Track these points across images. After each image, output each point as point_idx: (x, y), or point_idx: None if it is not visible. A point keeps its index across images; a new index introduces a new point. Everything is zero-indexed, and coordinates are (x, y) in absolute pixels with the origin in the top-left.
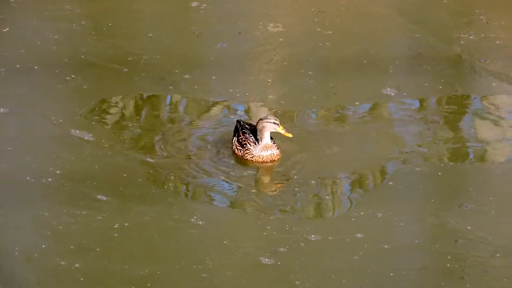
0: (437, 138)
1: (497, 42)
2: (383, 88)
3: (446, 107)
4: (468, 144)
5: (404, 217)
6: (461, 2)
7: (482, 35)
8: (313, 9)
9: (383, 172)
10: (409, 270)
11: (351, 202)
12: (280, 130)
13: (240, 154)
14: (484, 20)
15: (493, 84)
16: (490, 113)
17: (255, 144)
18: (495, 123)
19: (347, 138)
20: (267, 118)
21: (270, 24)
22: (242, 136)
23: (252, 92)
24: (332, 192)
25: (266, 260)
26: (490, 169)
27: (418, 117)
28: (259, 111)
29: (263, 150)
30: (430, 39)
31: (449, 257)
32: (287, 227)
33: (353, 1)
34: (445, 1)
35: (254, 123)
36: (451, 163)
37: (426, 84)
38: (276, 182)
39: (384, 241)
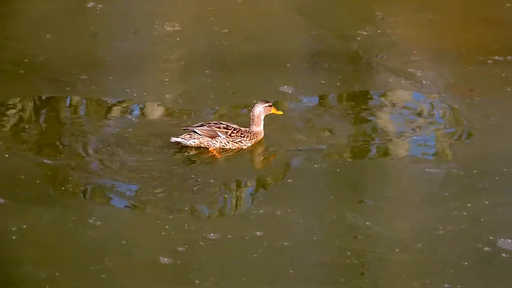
0: (335, 134)
1: (394, 38)
2: (281, 86)
3: (345, 103)
4: (366, 140)
5: (303, 214)
6: None
7: (379, 31)
8: (209, 8)
9: (282, 170)
10: (309, 266)
11: (250, 200)
12: (273, 111)
13: (246, 144)
14: (380, 17)
15: (390, 80)
16: (387, 108)
17: (247, 130)
18: (393, 118)
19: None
20: (261, 103)
21: (166, 23)
22: (233, 133)
23: (149, 91)
24: (231, 190)
25: (165, 260)
26: (388, 165)
27: (316, 114)
28: (156, 111)
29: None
30: (327, 37)
31: (348, 253)
32: (186, 226)
33: None
34: None
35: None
36: (349, 160)
37: (323, 81)
38: (177, 181)
39: (284, 239)
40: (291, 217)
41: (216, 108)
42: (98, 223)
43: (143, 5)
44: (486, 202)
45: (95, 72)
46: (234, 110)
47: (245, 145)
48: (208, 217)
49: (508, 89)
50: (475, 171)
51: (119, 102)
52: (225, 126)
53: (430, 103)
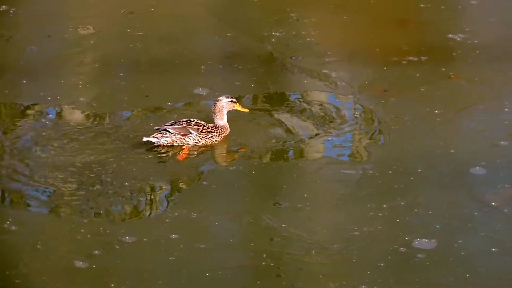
0: (251, 136)
1: (308, 39)
2: (195, 88)
3: (260, 105)
4: (282, 141)
5: (219, 217)
6: (272, 0)
7: (293, 33)
8: (123, 11)
9: (197, 172)
10: (225, 269)
11: (165, 203)
12: (237, 107)
13: (217, 139)
14: (294, 18)
15: (305, 81)
16: (303, 110)
17: (215, 126)
18: (309, 119)
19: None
20: (224, 97)
21: (80, 26)
22: (205, 130)
23: (63, 95)
24: (146, 193)
25: (80, 264)
26: (304, 166)
27: (232, 115)
28: (71, 114)
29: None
30: (242, 38)
31: (264, 255)
32: (101, 229)
33: (163, 2)
34: (255, 0)
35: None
36: (265, 161)
37: (238, 83)
38: (92, 184)
39: (199, 241)
40: (207, 219)
41: (131, 110)
42: (13, 227)
43: (56, 9)
44: (402, 203)
45: (8, 76)
46: (148, 112)
47: (216, 140)
48: (123, 220)
49: (422, 89)
50: (390, 172)
51: (33, 105)
52: (195, 123)
53: (345, 104)
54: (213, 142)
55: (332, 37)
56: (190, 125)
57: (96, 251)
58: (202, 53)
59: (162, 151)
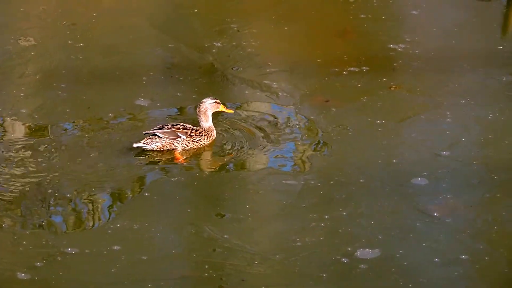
0: (191, 147)
1: (249, 50)
2: (137, 99)
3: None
4: (223, 152)
5: (160, 228)
6: (212, 10)
7: (234, 43)
8: (64, 22)
9: (139, 183)
10: (167, 280)
11: (107, 214)
12: (222, 108)
13: (205, 142)
14: (235, 28)
15: (246, 92)
16: (244, 120)
17: (202, 130)
18: (250, 130)
19: (102, 150)
20: (208, 99)
21: (21, 38)
22: (193, 133)
23: (5, 106)
24: (88, 204)
25: (22, 275)
26: (246, 177)
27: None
28: (12, 126)
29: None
30: (183, 49)
31: (206, 266)
32: (43, 241)
33: (104, 13)
34: (196, 11)
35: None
36: (207, 172)
37: (179, 94)
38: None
39: (141, 252)
40: (149, 230)
41: (72, 122)
42: None
43: None
44: (344, 213)
45: None
46: (90, 124)
47: (204, 143)
48: (65, 231)
49: (363, 100)
50: (332, 182)
51: None
52: (183, 126)
53: (287, 115)
54: (201, 146)
55: (273, 48)
56: (179, 128)
57: (39, 263)
58: (144, 64)
59: (152, 155)
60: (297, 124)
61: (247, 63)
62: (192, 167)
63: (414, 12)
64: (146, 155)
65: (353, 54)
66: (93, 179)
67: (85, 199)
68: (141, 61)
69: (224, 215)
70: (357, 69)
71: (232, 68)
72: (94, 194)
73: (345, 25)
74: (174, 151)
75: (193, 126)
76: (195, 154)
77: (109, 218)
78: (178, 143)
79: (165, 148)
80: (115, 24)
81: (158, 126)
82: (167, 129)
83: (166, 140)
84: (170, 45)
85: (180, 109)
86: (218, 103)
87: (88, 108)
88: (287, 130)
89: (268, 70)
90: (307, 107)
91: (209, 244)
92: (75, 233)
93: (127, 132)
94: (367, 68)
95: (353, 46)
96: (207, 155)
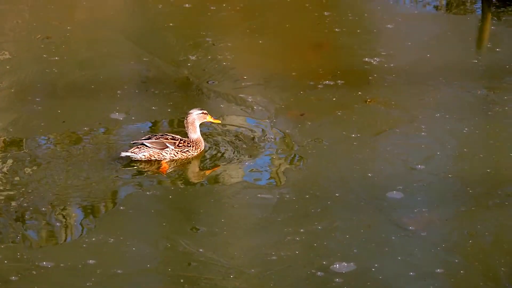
0: (168, 160)
1: (224, 63)
2: (112, 113)
3: (176, 129)
4: (199, 166)
5: (136, 242)
6: (187, 24)
7: (209, 57)
8: (39, 36)
9: (114, 197)
10: None
11: (82, 228)
12: (209, 118)
13: (193, 153)
14: (210, 42)
15: (222, 105)
16: (219, 134)
17: (190, 141)
18: (225, 144)
19: (77, 163)
20: (195, 110)
21: None
22: (181, 144)
23: None
24: (63, 218)
25: None
26: (221, 191)
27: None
28: None
29: (201, 140)
30: (158, 63)
31: (182, 280)
32: (18, 255)
33: (79, 26)
34: (171, 24)
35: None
36: (182, 186)
37: (154, 108)
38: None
39: (117, 266)
40: (124, 244)
41: (47, 135)
42: None
43: None
44: (319, 227)
45: None
46: (65, 137)
47: (192, 154)
48: (40, 245)
49: (339, 113)
50: (307, 196)
51: None
52: (172, 137)
53: (262, 128)
54: (189, 157)
55: (248, 61)
56: (167, 139)
57: (13, 277)
58: (119, 78)
59: (140, 165)
60: (272, 138)
61: (222, 77)
62: (167, 181)
63: (389, 26)
64: (133, 165)
65: (328, 67)
66: (68, 193)
67: (60, 213)
68: (116, 74)
69: (199, 229)
70: (332, 83)
71: (207, 82)
72: (69, 208)
73: (320, 39)
74: (162, 161)
75: (181, 137)
76: (172, 168)
77: (84, 232)
78: (166, 153)
79: (152, 158)
80: (89, 38)
81: (147, 136)
82: (155, 139)
83: (154, 150)
84: (145, 59)
85: (155, 123)
86: (205, 113)
87: (63, 122)
88: (262, 144)
89: (243, 84)
90: (283, 121)
91: (184, 258)
92: (50, 247)
93: (102, 145)
94: (342, 82)
95: (328, 59)
96: (184, 169)
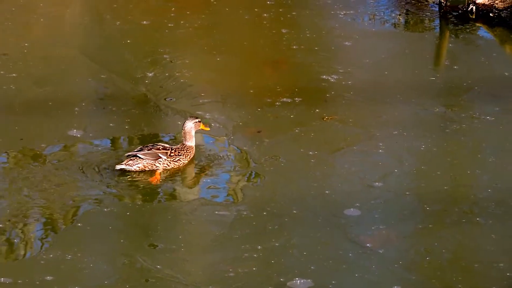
0: (125, 177)
1: (182, 80)
2: (70, 130)
3: (134, 147)
4: (158, 184)
5: (93, 258)
6: (144, 41)
7: (167, 74)
8: None
9: (72, 214)
10: None
11: (40, 244)
12: (202, 126)
13: (184, 162)
14: (168, 59)
15: (179, 122)
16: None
17: (181, 149)
18: (183, 161)
19: (35, 181)
20: (191, 119)
21: None
22: (173, 153)
23: None
24: (21, 235)
25: None
26: (178, 207)
27: (109, 156)
28: None
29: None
30: (116, 80)
31: None
32: None
33: (36, 43)
34: (129, 41)
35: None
36: (139, 203)
37: (112, 125)
38: None
39: (74, 283)
40: (82, 261)
41: (4, 153)
42: None
43: None
44: (276, 244)
45: None
46: (23, 155)
47: (183, 162)
48: None
49: (296, 130)
50: (264, 213)
51: None
52: (163, 147)
53: (220, 146)
54: (181, 165)
55: (205, 78)
56: (159, 149)
57: None
58: (76, 95)
59: (134, 177)
60: (229, 155)
61: (180, 94)
62: (125, 198)
63: (347, 43)
64: (127, 175)
65: (285, 85)
66: (26, 210)
67: (18, 229)
68: (73, 91)
69: (156, 246)
70: (289, 100)
71: (165, 99)
72: (27, 225)
73: (278, 56)
74: (156, 172)
75: (170, 146)
76: (126, 183)
77: (42, 248)
78: (160, 163)
79: (146, 169)
80: (47, 54)
81: (139, 148)
82: (147, 150)
83: (147, 161)
84: (102, 76)
85: (113, 140)
86: (199, 122)
87: (21, 139)
88: (219, 161)
89: (201, 101)
90: (240, 138)
91: (142, 274)
92: (7, 263)
93: (60, 163)
94: (300, 99)
95: (286, 77)
96: (139, 186)
